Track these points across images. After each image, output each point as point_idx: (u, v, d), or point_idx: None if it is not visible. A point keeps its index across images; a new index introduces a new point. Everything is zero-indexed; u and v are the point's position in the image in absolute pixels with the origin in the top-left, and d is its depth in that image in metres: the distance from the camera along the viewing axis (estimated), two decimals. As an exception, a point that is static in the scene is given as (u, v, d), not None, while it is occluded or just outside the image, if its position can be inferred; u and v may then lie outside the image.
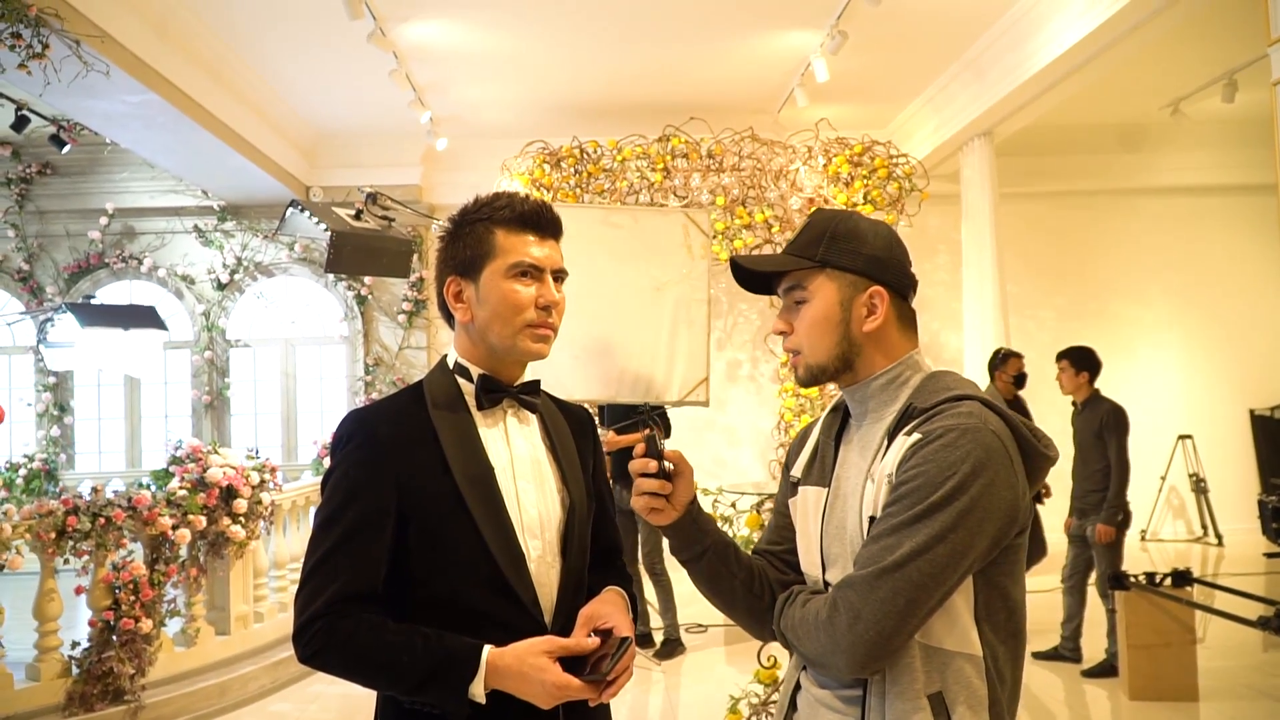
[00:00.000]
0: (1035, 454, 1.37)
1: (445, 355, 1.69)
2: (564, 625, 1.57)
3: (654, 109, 7.61)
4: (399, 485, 1.51)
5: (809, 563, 1.50)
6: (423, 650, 1.44)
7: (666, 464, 1.49)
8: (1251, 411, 8.82)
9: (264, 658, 5.39)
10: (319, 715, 4.98)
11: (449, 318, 1.67)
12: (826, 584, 1.45)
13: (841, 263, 1.45)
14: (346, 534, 1.49)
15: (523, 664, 1.44)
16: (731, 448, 8.53)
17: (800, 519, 1.52)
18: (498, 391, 1.62)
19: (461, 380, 1.63)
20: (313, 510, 6.55)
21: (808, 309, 1.46)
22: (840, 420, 1.54)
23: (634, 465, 1.49)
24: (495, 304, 1.58)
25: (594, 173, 7.52)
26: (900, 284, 1.47)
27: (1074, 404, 5.52)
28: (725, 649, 5.88)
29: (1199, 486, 8.71)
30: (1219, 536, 8.57)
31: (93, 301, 7.40)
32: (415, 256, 8.20)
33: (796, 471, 1.57)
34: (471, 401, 1.62)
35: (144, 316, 6.67)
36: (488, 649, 1.45)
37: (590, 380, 4.89)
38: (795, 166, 7.56)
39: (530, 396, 1.66)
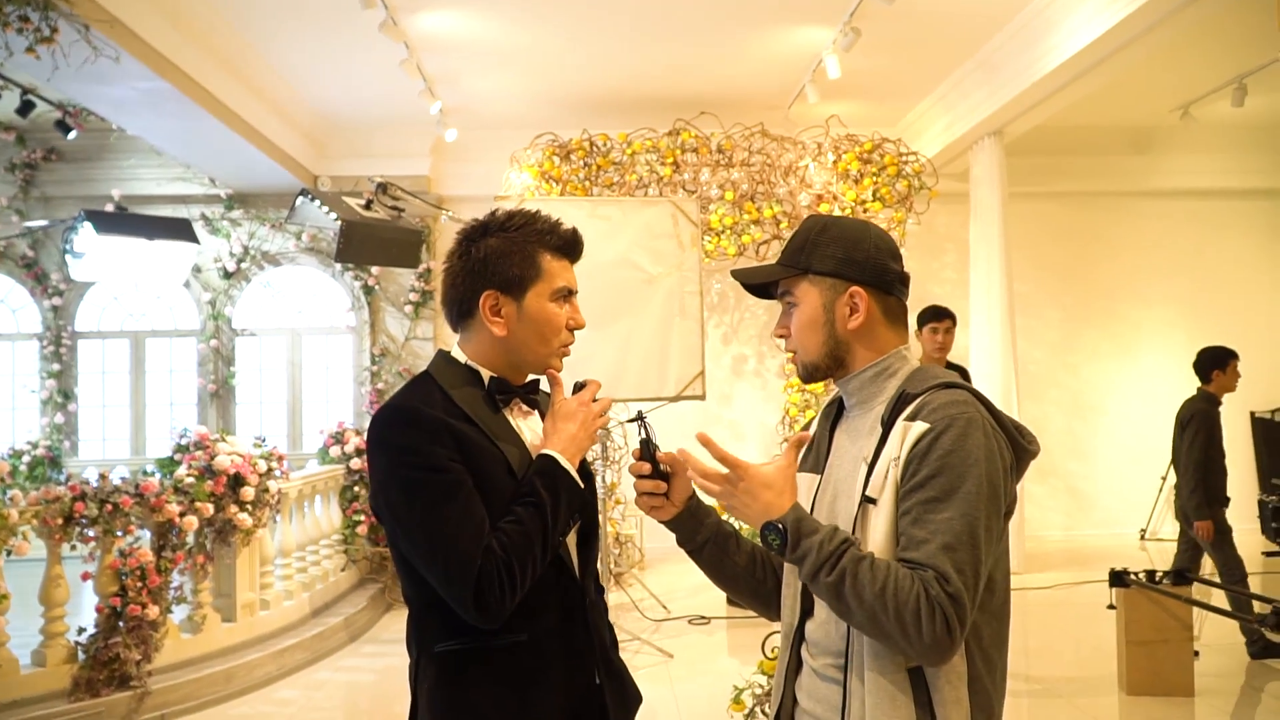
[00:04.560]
0: (1019, 446, 1.47)
1: (446, 351, 1.74)
2: (589, 583, 1.74)
3: (664, 103, 7.58)
4: (459, 447, 1.57)
5: None
6: (540, 495, 1.58)
7: (661, 465, 1.62)
8: (1252, 414, 8.81)
9: (270, 645, 5.37)
10: (324, 703, 4.95)
11: (459, 321, 1.72)
12: None
13: (820, 267, 1.54)
14: (450, 494, 1.53)
15: (556, 422, 1.66)
16: (737, 442, 8.48)
17: None
18: (508, 393, 1.71)
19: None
20: (319, 499, 6.56)
21: (798, 313, 1.57)
22: (835, 412, 1.65)
23: (631, 468, 1.64)
24: (538, 324, 1.68)
25: (603, 165, 7.50)
26: (880, 282, 1.54)
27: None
28: (728, 641, 5.87)
29: (1200, 488, 8.71)
30: (1219, 538, 8.58)
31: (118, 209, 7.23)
32: (424, 247, 8.20)
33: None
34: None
35: (173, 228, 6.53)
36: (544, 451, 1.64)
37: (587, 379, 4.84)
38: (805, 163, 7.54)
39: (533, 394, 1.78)
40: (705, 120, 7.54)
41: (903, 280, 1.57)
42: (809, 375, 1.58)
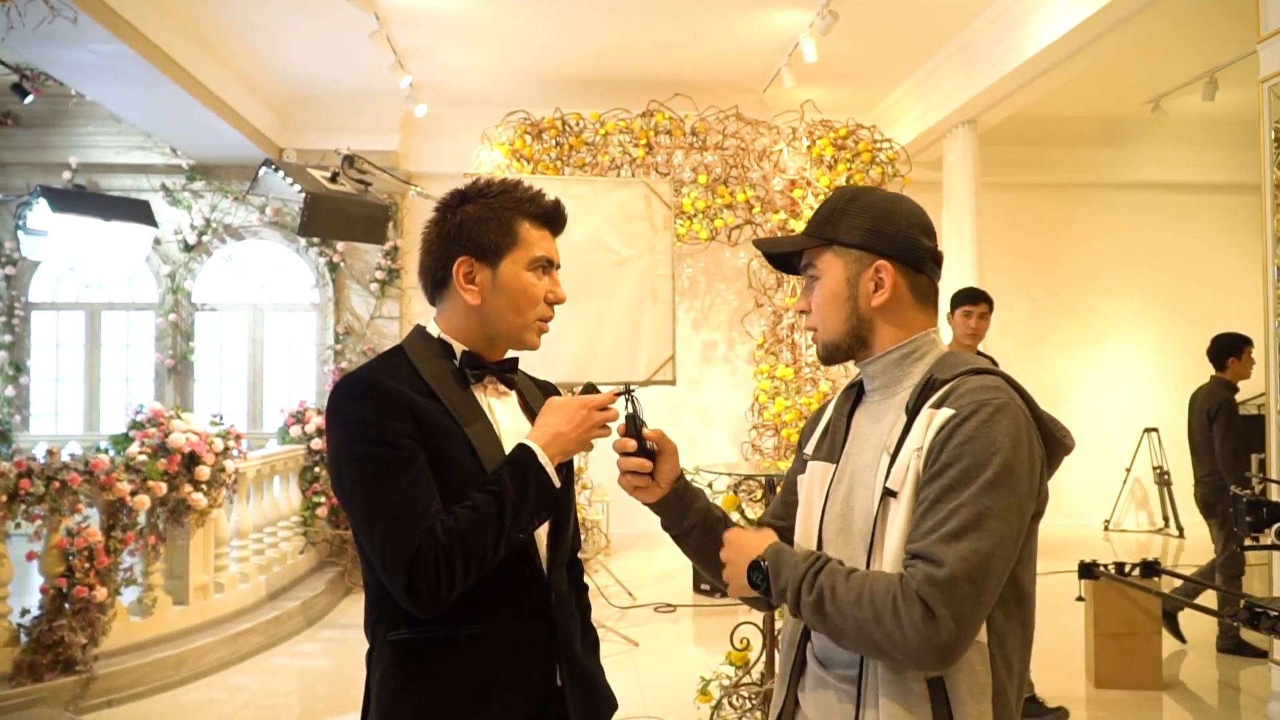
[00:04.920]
0: (1053, 440, 1.35)
1: (422, 325, 1.66)
2: (557, 578, 1.62)
3: (639, 83, 7.47)
4: (417, 424, 1.49)
5: (804, 536, 1.47)
6: (504, 485, 1.48)
7: (648, 443, 1.53)
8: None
9: (223, 629, 5.23)
10: (279, 689, 4.83)
11: (434, 291, 1.64)
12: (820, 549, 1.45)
13: (846, 238, 1.43)
14: (398, 470, 1.45)
15: (548, 415, 1.55)
16: (705, 428, 8.43)
17: (805, 493, 1.51)
18: (480, 368, 1.62)
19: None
20: (277, 480, 6.42)
21: (820, 286, 1.47)
22: (854, 398, 1.53)
23: (616, 446, 1.53)
24: (513, 294, 1.60)
25: (576, 145, 7.36)
26: (909, 257, 1.42)
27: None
28: (694, 629, 5.81)
29: (1162, 479, 8.78)
30: (1180, 528, 8.65)
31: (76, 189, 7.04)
32: (391, 224, 8.04)
33: (808, 449, 1.55)
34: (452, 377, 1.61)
35: (130, 209, 6.36)
36: (524, 440, 1.53)
37: (557, 361, 4.75)
38: (779, 147, 7.46)
39: (510, 373, 1.69)
40: (680, 102, 7.43)
41: (935, 258, 1.45)
42: (829, 355, 1.47)
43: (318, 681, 5.04)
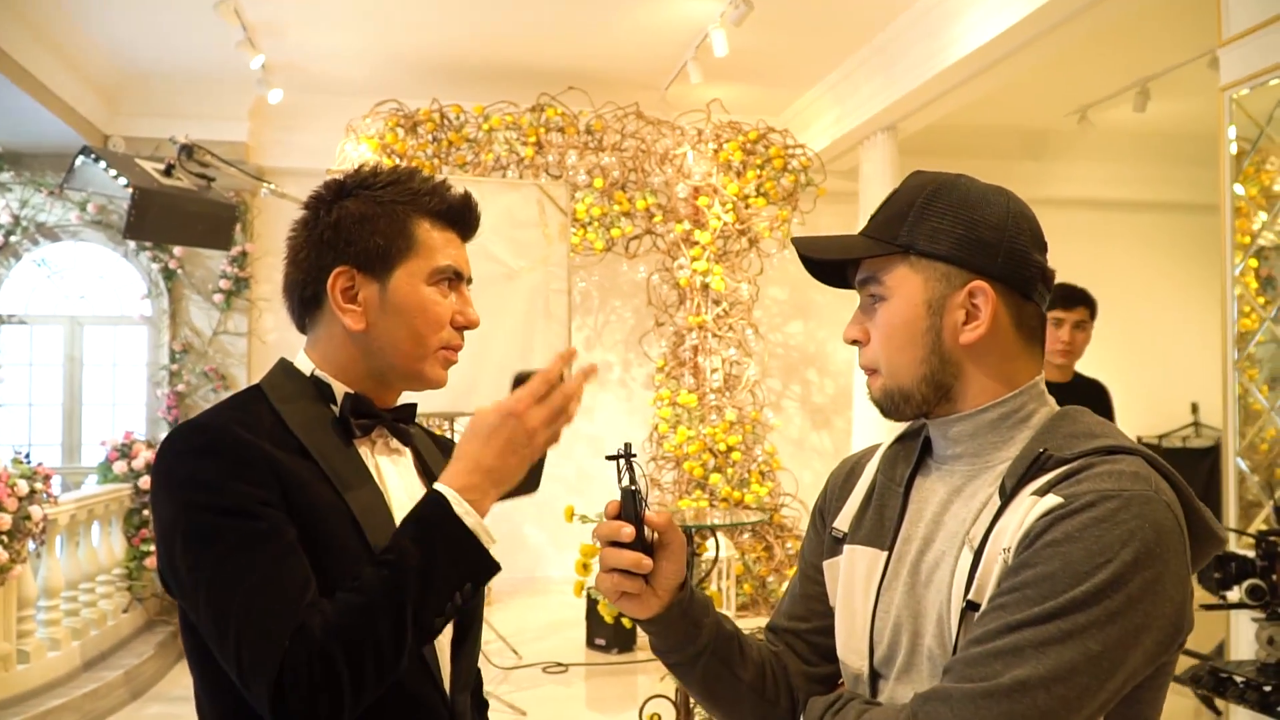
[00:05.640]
0: (1206, 535, 1.09)
1: (287, 361, 1.38)
2: (461, 706, 1.36)
3: (527, 74, 7.27)
4: (282, 489, 1.21)
5: (850, 650, 1.21)
6: (403, 551, 1.18)
7: (649, 532, 1.18)
8: (1139, 440, 9.19)
9: (29, 706, 4.77)
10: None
11: (304, 313, 1.37)
12: (875, 679, 1.17)
13: (929, 247, 1.14)
14: (254, 545, 1.16)
15: (463, 451, 1.23)
16: (597, 460, 8.22)
17: (844, 590, 1.23)
18: (370, 417, 1.35)
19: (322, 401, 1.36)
20: (96, 526, 5.95)
21: (887, 310, 1.16)
22: (913, 456, 1.24)
23: (603, 530, 1.18)
24: (409, 315, 1.33)
25: (455, 141, 7.13)
26: (1016, 277, 1.14)
27: None
28: (587, 692, 5.61)
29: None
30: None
31: None
32: (239, 226, 7.61)
33: (841, 524, 1.27)
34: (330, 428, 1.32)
35: None
36: (435, 486, 1.22)
37: (432, 390, 4.51)
38: (683, 150, 7.38)
39: (404, 424, 1.42)
40: (573, 97, 7.28)
41: (1046, 279, 1.17)
42: (893, 407, 1.17)
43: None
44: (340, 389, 1.35)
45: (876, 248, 1.17)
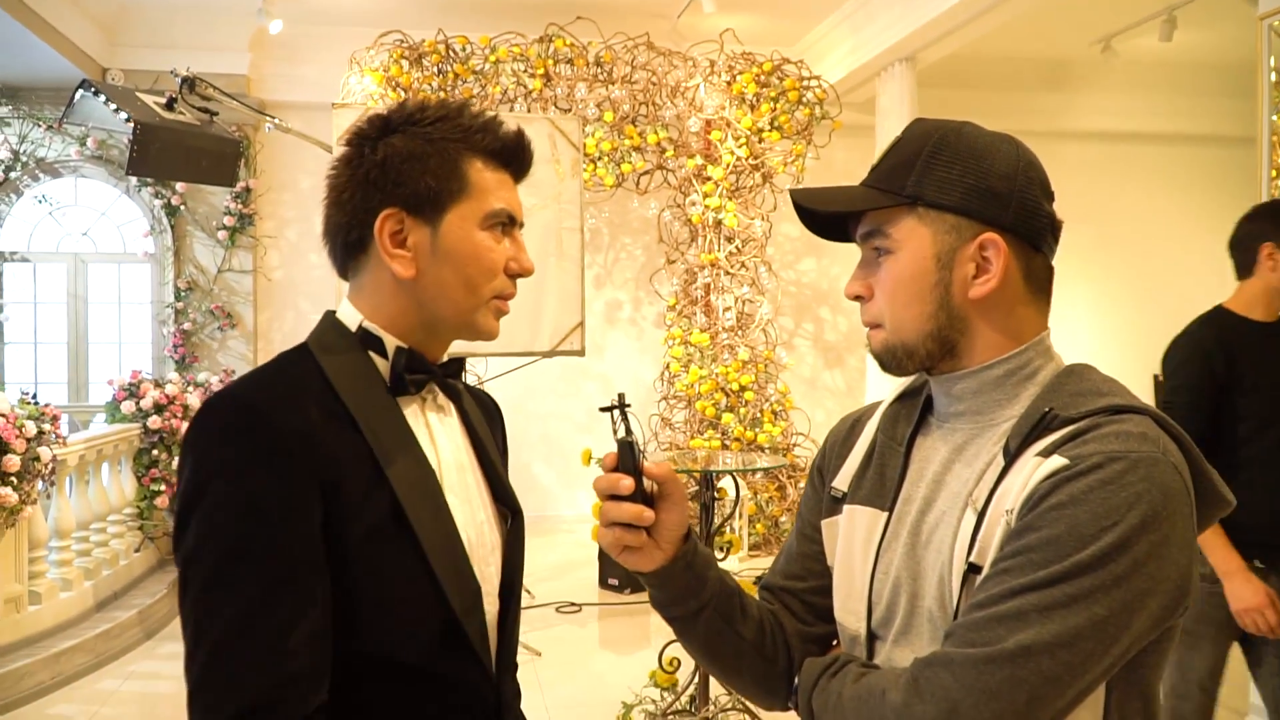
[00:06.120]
0: (1213, 497, 1.05)
1: (334, 313, 1.28)
2: (506, 685, 1.30)
3: (535, 4, 7.09)
4: (323, 494, 1.11)
5: (848, 611, 1.19)
6: None
7: (649, 483, 1.14)
8: (1156, 378, 9.09)
9: (41, 648, 4.79)
10: (111, 718, 4.45)
11: (347, 259, 1.27)
12: (871, 640, 1.15)
13: (938, 197, 1.09)
14: (263, 596, 1.06)
15: None
16: (608, 399, 8.19)
17: (844, 551, 1.20)
18: (423, 372, 1.26)
19: (373, 354, 1.25)
20: (106, 466, 5.92)
21: (893, 264, 1.12)
22: (914, 415, 1.20)
23: (601, 483, 1.14)
24: (462, 262, 1.23)
25: (461, 74, 6.97)
26: (1027, 229, 1.10)
27: None
28: (601, 632, 5.62)
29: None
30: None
31: None
32: (242, 161, 7.49)
33: (841, 483, 1.24)
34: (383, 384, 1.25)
35: None
36: None
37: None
38: (695, 82, 7.21)
39: (454, 379, 1.34)
40: (582, 27, 7.09)
41: (1054, 229, 1.13)
42: (895, 362, 1.14)
43: (160, 707, 4.65)
44: (392, 342, 1.25)
45: (883, 199, 1.12)
